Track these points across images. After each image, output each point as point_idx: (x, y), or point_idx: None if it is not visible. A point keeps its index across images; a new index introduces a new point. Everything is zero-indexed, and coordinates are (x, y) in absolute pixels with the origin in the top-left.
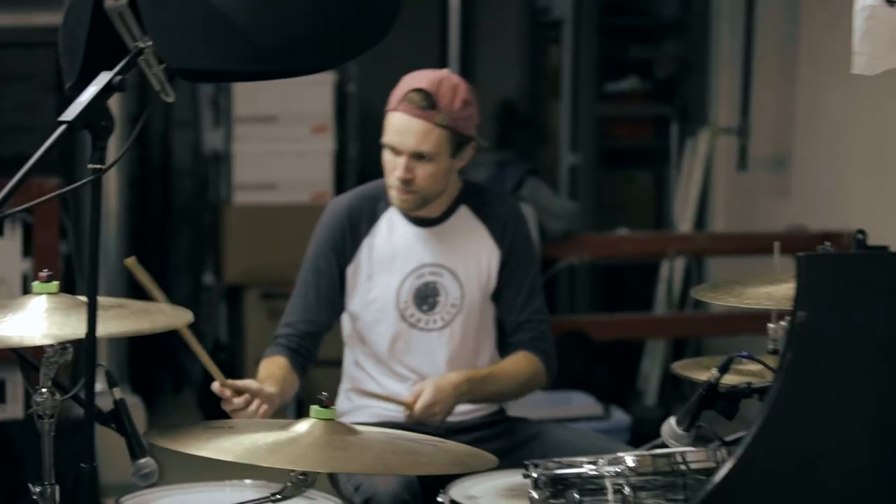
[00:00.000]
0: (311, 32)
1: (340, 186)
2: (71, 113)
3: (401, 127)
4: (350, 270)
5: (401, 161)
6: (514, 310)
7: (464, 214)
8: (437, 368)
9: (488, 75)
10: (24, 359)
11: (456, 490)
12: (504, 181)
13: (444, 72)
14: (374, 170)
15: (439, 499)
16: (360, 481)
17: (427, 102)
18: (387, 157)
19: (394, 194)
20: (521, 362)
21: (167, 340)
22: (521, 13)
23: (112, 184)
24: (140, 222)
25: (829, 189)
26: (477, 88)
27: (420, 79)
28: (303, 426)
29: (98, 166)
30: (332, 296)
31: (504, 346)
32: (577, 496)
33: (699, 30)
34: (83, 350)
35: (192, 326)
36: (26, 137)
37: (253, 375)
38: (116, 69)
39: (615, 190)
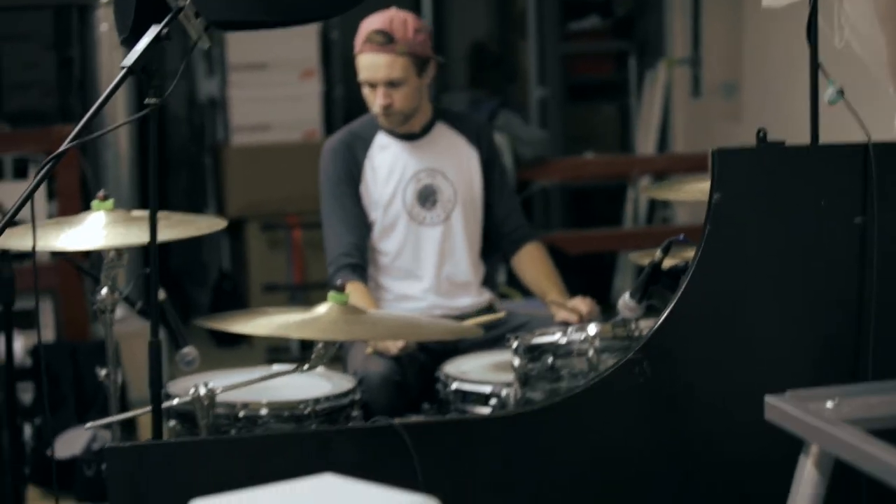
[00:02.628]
0: None
1: (329, 125)
2: (130, 59)
3: (370, 64)
4: (362, 190)
5: (379, 91)
6: (502, 200)
7: (441, 128)
8: (447, 259)
9: (460, 19)
10: (80, 268)
11: (450, 366)
12: (479, 114)
13: (393, 10)
14: (360, 108)
15: (436, 374)
16: (357, 367)
17: (385, 38)
18: (366, 91)
19: (381, 120)
20: (542, 255)
21: (173, 272)
22: None
23: (123, 131)
24: (141, 167)
25: (778, 111)
26: (449, 32)
27: (374, 21)
28: (322, 308)
29: (153, 100)
30: (361, 211)
31: (502, 238)
32: (549, 360)
33: None
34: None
35: (196, 260)
36: (29, 93)
37: (257, 298)
38: (163, 23)
39: (582, 120)
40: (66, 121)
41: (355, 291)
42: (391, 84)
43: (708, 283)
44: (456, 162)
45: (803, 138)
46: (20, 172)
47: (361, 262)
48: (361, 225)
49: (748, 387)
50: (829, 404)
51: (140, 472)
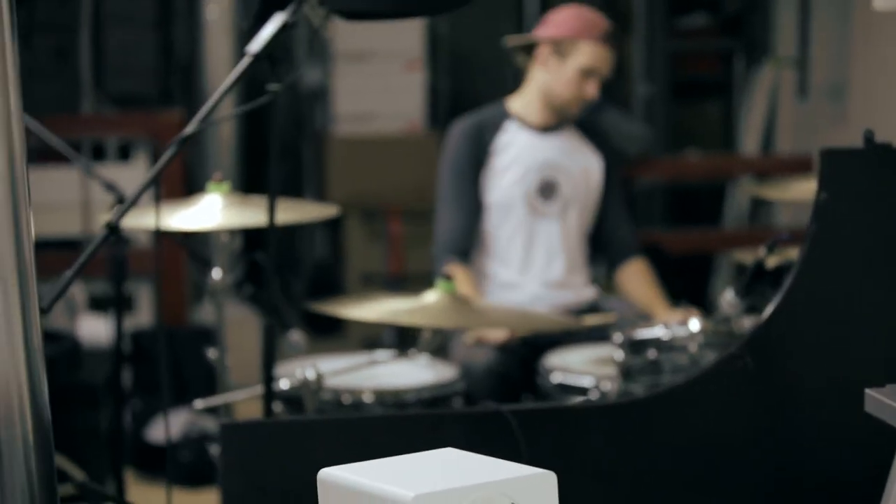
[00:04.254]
0: None
1: (434, 118)
2: (255, 46)
3: (603, 56)
4: (486, 174)
5: (594, 82)
6: (615, 209)
7: (569, 129)
8: (557, 254)
9: None
10: (192, 251)
11: (552, 358)
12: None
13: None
14: (465, 102)
15: (537, 366)
16: (463, 356)
17: (611, 38)
18: (577, 78)
19: (573, 106)
20: (648, 270)
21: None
22: None
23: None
24: (243, 153)
25: (886, 115)
26: None
27: (598, 15)
28: (432, 297)
29: (275, 86)
30: (477, 197)
31: (609, 245)
32: (652, 355)
33: None
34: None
35: (290, 251)
36: (129, 76)
37: (355, 288)
38: (290, 11)
39: (687, 118)
40: (166, 104)
41: (459, 274)
42: (602, 79)
43: (812, 282)
44: (579, 161)
45: None
46: (123, 154)
47: (467, 247)
48: (476, 210)
49: (849, 385)
50: None
51: (255, 450)
